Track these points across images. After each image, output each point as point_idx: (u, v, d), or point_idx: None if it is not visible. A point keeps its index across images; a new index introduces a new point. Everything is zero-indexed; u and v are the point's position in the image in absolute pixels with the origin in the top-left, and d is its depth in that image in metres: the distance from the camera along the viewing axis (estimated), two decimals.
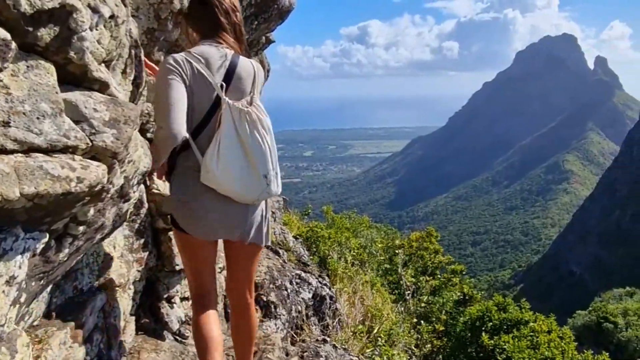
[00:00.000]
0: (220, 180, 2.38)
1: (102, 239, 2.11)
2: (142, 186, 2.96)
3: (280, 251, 5.99)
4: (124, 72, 2.15)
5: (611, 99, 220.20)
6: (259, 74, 2.57)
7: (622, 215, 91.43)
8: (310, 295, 5.33)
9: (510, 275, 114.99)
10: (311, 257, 7.77)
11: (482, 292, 12.31)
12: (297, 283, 5.34)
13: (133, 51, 2.22)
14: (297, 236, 8.42)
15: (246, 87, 2.49)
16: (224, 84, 2.40)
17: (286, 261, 5.80)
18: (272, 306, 4.60)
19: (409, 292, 9.15)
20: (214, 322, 2.56)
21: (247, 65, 2.52)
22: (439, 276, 11.10)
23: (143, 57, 2.45)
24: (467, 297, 9.86)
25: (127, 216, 2.28)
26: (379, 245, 10.77)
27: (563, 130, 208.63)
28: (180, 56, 2.38)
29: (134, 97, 2.35)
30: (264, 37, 5.56)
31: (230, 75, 2.44)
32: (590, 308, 30.71)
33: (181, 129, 2.27)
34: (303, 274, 5.53)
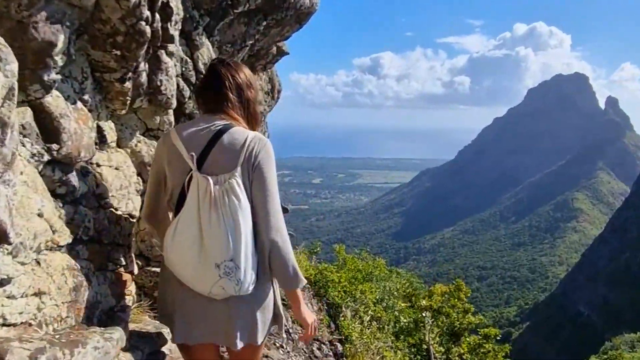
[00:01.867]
0: (172, 260, 2.15)
1: None
2: None
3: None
4: None
5: (621, 139, 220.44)
6: (251, 146, 2.16)
7: (632, 256, 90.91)
8: None
9: (516, 312, 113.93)
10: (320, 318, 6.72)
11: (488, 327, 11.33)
12: None
13: None
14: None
15: (227, 158, 2.13)
16: (193, 155, 2.11)
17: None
18: None
19: None
20: None
21: (236, 136, 2.17)
22: (467, 340, 10.01)
23: None
24: None
25: None
26: (401, 304, 9.66)
27: (573, 169, 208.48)
28: (161, 139, 2.36)
29: None
30: (275, 47, 4.73)
31: (211, 145, 2.15)
32: (605, 356, 30.41)
33: (143, 217, 2.49)
34: None
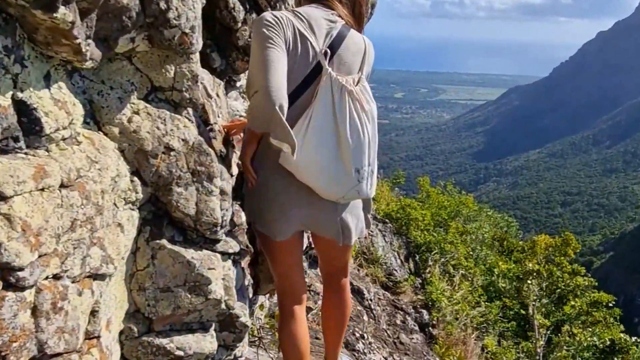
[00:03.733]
0: (300, 165, 2.00)
1: None
2: None
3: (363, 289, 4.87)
4: None
5: None
6: (369, 53, 2.18)
7: None
8: None
9: (600, 241, 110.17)
10: (402, 265, 6.44)
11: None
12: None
13: None
14: (386, 218, 7.17)
15: (353, 63, 2.10)
16: (329, 51, 2.02)
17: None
18: None
19: (541, 343, 7.41)
20: (302, 326, 2.36)
21: (358, 40, 2.14)
22: (572, 304, 8.79)
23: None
24: (616, 347, 7.43)
25: None
26: (502, 266, 8.89)
27: None
28: (280, 13, 2.06)
29: None
30: None
31: (336, 45, 2.05)
32: None
33: (281, 92, 1.92)
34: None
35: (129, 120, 1.83)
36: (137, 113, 1.86)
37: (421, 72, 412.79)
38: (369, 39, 2.24)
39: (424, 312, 5.66)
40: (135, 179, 1.88)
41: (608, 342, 7.50)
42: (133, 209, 1.88)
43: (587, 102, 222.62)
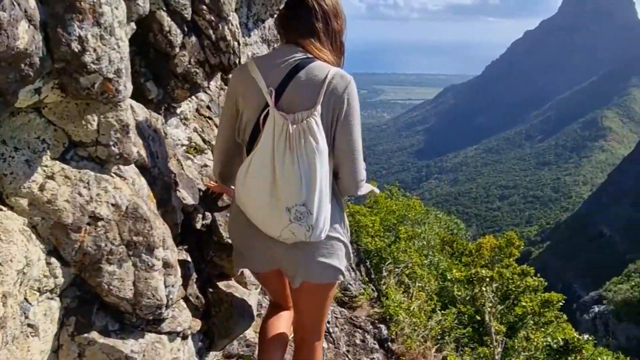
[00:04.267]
0: (243, 200, 2.03)
1: None
2: None
3: None
4: None
5: None
6: (335, 84, 1.97)
7: None
8: None
9: (537, 231, 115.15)
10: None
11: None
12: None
13: None
14: None
15: (305, 96, 1.95)
16: (272, 90, 1.94)
17: None
18: None
19: (499, 350, 7.32)
20: (283, 322, 2.48)
21: (318, 71, 1.98)
22: (524, 305, 8.73)
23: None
24: (569, 346, 7.18)
25: None
26: (455, 273, 8.71)
27: (604, 85, 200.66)
28: (237, 70, 2.21)
29: None
30: None
31: (287, 80, 1.96)
32: (632, 283, 30.71)
33: (216, 170, 2.28)
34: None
35: (42, 188, 1.46)
36: (51, 178, 1.50)
37: (360, 73, 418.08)
38: (345, 72, 2.07)
39: (382, 326, 5.51)
40: (53, 260, 1.48)
41: (562, 342, 7.37)
42: (52, 298, 1.48)
43: (519, 98, 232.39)
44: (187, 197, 2.28)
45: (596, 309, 30.21)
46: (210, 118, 3.45)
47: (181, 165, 2.41)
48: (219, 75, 3.49)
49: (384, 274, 6.71)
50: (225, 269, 2.55)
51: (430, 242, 9.71)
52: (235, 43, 2.42)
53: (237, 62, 2.44)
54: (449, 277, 9.02)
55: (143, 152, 1.89)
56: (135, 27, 1.84)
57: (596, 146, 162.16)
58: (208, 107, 3.52)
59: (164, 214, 1.95)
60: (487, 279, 8.13)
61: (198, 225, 2.37)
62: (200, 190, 2.51)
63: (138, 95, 2.07)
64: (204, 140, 3.09)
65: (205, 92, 3.46)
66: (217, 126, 2.77)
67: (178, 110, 3.03)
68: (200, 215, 2.40)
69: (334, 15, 2.08)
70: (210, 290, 2.47)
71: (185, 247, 2.28)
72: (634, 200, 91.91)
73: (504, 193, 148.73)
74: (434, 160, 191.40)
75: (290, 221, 1.92)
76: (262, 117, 1.97)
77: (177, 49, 2.27)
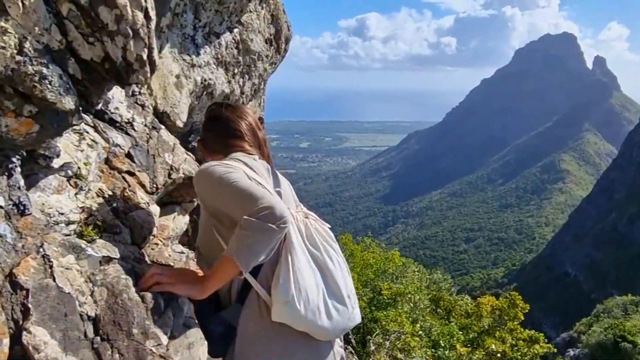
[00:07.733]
0: (301, 311, 1.77)
1: None
2: None
3: None
4: None
5: (608, 100, 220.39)
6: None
7: (618, 217, 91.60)
8: None
9: (504, 273, 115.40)
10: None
11: (477, 290, 9.85)
12: None
13: None
14: None
15: (292, 197, 2.08)
16: (280, 190, 1.97)
17: None
18: None
19: None
20: None
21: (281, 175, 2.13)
22: None
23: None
24: None
25: None
26: (459, 348, 7.71)
27: (559, 130, 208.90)
28: (227, 161, 1.94)
29: None
30: None
31: (276, 183, 2.01)
32: (605, 325, 29.94)
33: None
34: None
35: None
36: None
37: (324, 121, 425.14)
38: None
39: None
40: None
41: None
42: None
43: (479, 143, 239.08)
44: None
45: (571, 353, 29.27)
46: (131, 174, 2.23)
47: None
48: (149, 109, 2.67)
49: (372, 347, 5.87)
50: None
51: (417, 304, 8.77)
52: None
53: None
54: (452, 357, 7.87)
55: None
56: None
57: (555, 188, 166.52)
58: (128, 156, 2.31)
59: None
60: (499, 355, 7.22)
61: None
62: None
63: None
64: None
65: (125, 133, 2.38)
66: (142, 186, 2.26)
67: (57, 163, 1.77)
68: None
69: (257, 127, 2.19)
70: None
71: None
72: (593, 241, 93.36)
73: (470, 235, 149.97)
74: (400, 204, 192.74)
75: (352, 307, 1.95)
76: None
77: None
